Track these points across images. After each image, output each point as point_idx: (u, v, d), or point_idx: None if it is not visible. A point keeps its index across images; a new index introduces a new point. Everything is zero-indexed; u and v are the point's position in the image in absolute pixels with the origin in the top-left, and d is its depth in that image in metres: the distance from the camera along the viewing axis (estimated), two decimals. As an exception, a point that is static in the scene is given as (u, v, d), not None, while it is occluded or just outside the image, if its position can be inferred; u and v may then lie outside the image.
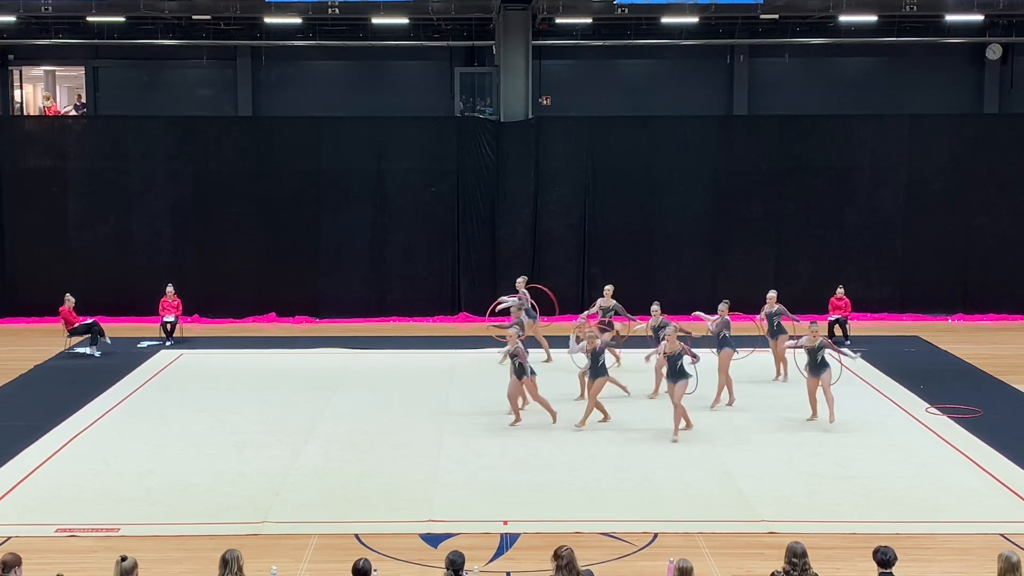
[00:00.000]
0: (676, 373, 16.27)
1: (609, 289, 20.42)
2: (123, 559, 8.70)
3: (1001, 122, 26.95)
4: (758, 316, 19.93)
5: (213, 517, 13.11)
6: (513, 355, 16.59)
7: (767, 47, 28.05)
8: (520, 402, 16.90)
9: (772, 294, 19.84)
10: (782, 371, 19.62)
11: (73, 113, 28.35)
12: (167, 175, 25.70)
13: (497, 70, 26.24)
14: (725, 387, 18.02)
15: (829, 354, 16.84)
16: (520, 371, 16.51)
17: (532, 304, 21.03)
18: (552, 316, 21.81)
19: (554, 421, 16.67)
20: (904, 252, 25.95)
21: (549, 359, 20.50)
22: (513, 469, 14.85)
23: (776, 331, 19.45)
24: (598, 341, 16.78)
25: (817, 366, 16.57)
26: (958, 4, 25.51)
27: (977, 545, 12.19)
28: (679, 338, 16.57)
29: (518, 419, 16.80)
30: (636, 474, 14.68)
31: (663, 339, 16.83)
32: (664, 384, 17.20)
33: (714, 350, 18.12)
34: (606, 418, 16.84)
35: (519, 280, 21.64)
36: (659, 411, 17.32)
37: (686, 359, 16.31)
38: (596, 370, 16.69)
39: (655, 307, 18.86)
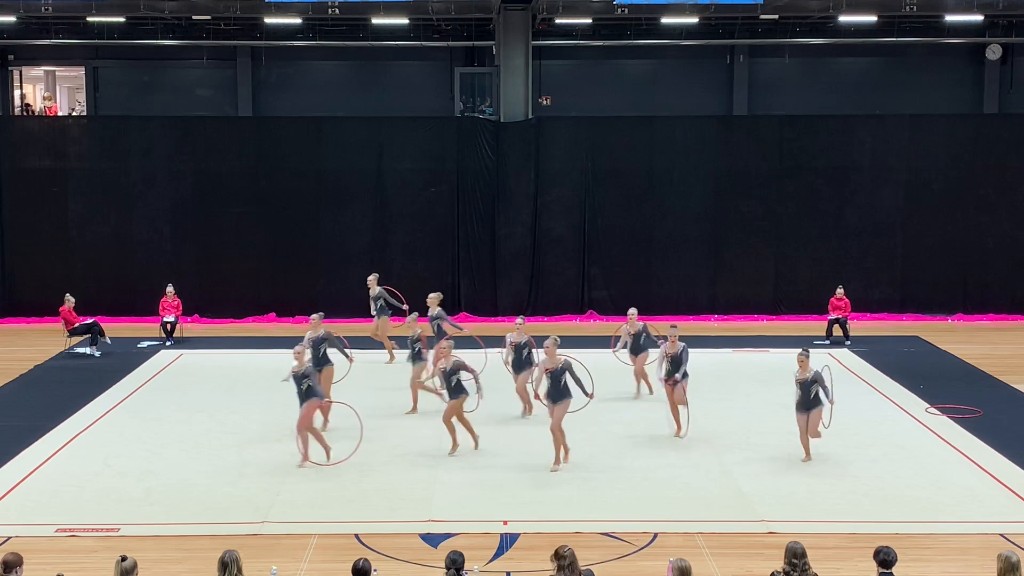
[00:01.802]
0: (560, 391, 14.95)
1: (434, 297, 19.73)
2: (123, 559, 8.69)
3: (1001, 122, 26.93)
4: (620, 339, 18.79)
5: (213, 517, 13.12)
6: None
7: (767, 47, 28.04)
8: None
9: (633, 311, 18.60)
10: (645, 386, 18.54)
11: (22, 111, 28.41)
12: (167, 175, 25.72)
13: (497, 70, 26.25)
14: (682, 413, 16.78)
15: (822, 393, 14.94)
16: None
17: (386, 302, 21.06)
18: (402, 317, 20.90)
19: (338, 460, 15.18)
20: (904, 252, 25.95)
21: (392, 360, 20.81)
22: (513, 469, 14.86)
23: (640, 347, 18.34)
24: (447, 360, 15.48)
25: (809, 401, 14.88)
26: (958, 4, 25.50)
27: (977, 545, 12.20)
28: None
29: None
30: (636, 474, 14.69)
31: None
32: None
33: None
34: (476, 445, 15.65)
35: (370, 278, 21.39)
36: (659, 412, 17.32)
37: (463, 374, 15.31)
38: (455, 390, 15.42)
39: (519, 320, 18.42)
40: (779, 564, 9.18)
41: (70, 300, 22.32)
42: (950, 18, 26.24)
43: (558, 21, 26.81)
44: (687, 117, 26.58)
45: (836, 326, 22.94)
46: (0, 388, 19.46)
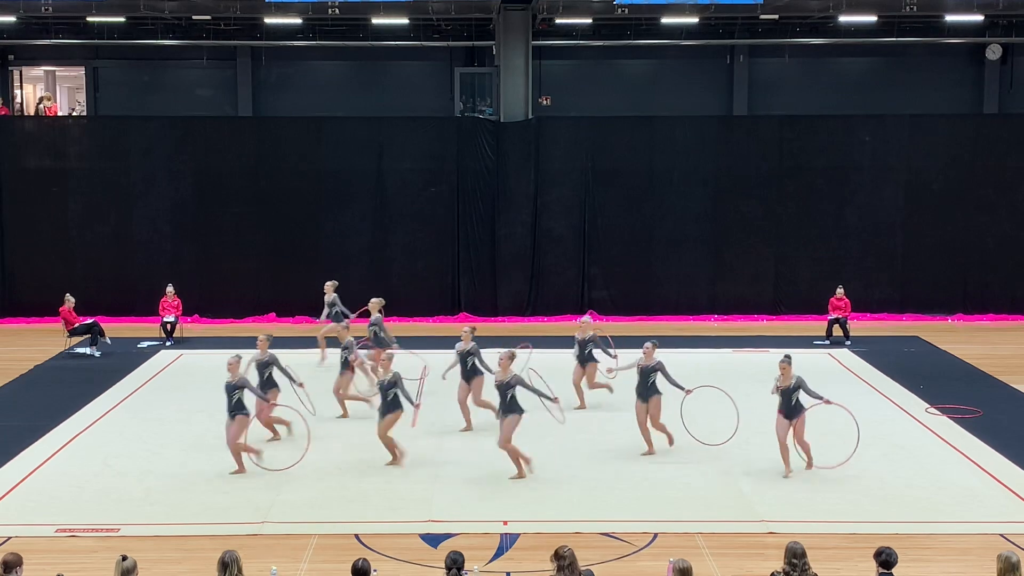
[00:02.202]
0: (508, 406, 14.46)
1: (375, 303, 19.32)
2: (123, 559, 8.69)
3: (1001, 122, 26.94)
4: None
5: (213, 517, 13.13)
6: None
7: (767, 47, 28.05)
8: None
9: (586, 318, 18.30)
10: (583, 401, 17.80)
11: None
12: (167, 175, 25.73)
13: (497, 70, 26.25)
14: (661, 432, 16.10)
15: (805, 397, 14.52)
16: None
17: (342, 311, 20.90)
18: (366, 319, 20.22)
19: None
20: (904, 252, 25.95)
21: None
22: (513, 470, 14.81)
23: (587, 358, 17.64)
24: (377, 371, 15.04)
25: (791, 408, 14.42)
26: (958, 4, 25.51)
27: (977, 545, 12.20)
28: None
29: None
30: (636, 474, 14.69)
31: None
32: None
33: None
34: (396, 460, 15.03)
35: (328, 284, 21.23)
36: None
37: (399, 390, 14.64)
38: (388, 405, 14.82)
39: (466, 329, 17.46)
40: (779, 564, 9.18)
41: (70, 300, 22.32)
42: (950, 18, 26.26)
43: (558, 21, 26.83)
44: (687, 117, 26.58)
45: (836, 326, 22.94)
46: (0, 388, 19.46)
